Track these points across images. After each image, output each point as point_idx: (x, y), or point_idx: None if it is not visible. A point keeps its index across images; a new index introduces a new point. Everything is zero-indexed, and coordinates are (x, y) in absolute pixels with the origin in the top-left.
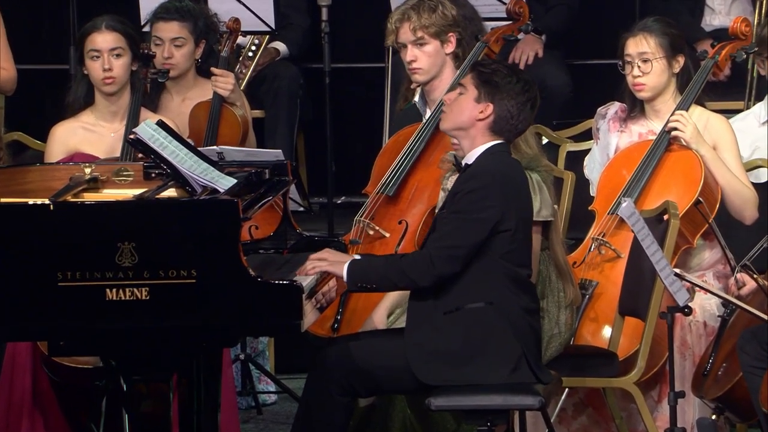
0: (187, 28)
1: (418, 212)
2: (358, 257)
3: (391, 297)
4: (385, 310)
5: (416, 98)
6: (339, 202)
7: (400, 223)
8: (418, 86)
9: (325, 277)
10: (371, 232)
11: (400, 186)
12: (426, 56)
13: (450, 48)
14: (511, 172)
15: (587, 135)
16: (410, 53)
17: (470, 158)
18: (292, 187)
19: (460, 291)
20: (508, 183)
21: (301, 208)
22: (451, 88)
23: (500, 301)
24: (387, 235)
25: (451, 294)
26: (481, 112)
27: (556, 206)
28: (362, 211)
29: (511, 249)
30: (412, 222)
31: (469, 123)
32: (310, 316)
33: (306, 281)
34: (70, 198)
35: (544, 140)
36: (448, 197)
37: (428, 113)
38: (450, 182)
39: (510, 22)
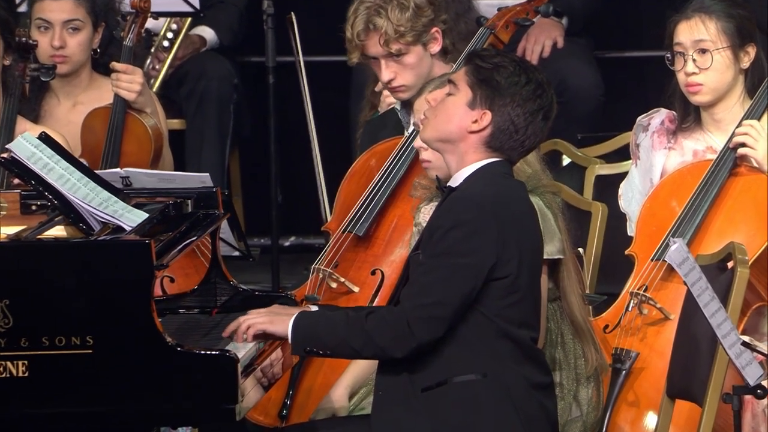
0: (84, 7)
1: (397, 258)
2: (309, 310)
3: (355, 370)
4: (346, 388)
5: (396, 104)
6: (287, 244)
7: (373, 273)
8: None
9: (269, 344)
10: (334, 285)
11: (373, 223)
12: (408, 70)
13: (436, 46)
14: (510, 199)
15: (624, 153)
16: (386, 71)
17: (456, 180)
18: (224, 225)
19: (443, 360)
20: (506, 212)
21: (236, 253)
22: (439, 84)
23: (497, 372)
24: (356, 289)
25: (431, 364)
26: (475, 121)
27: (580, 249)
28: (322, 256)
29: (510, 303)
30: (390, 272)
31: (457, 134)
32: (249, 398)
33: (243, 350)
34: None
35: (566, 160)
36: (425, 233)
37: (412, 125)
38: (425, 215)
39: (523, 1)
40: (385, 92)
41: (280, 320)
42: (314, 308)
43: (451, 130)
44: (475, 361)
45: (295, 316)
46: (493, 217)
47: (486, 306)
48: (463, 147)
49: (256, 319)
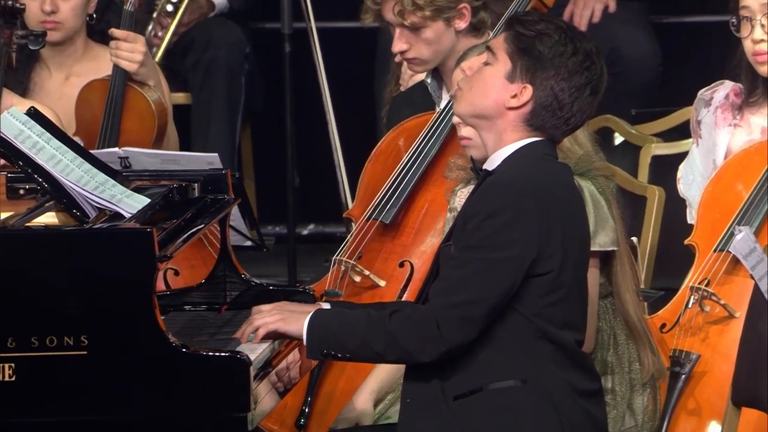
0: None
1: (428, 249)
2: (326, 307)
3: (381, 373)
4: (371, 394)
5: (426, 76)
6: (305, 233)
7: (401, 265)
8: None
9: (284, 345)
10: (358, 279)
11: (401, 209)
12: (424, 44)
13: (462, 23)
14: (554, 184)
15: (683, 131)
16: (398, 41)
17: (493, 162)
18: (234, 211)
19: (477, 365)
20: (549, 200)
21: (248, 243)
22: (477, 52)
23: (538, 377)
24: (382, 283)
25: (464, 369)
26: (514, 96)
27: (634, 238)
28: (343, 247)
29: (551, 301)
30: (420, 264)
31: (494, 110)
32: (263, 406)
33: (256, 352)
34: None
35: (618, 138)
36: (459, 222)
37: (445, 99)
38: (461, 199)
39: None
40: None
41: (294, 319)
42: (327, 306)
43: (487, 105)
44: (514, 365)
45: (310, 314)
46: (534, 205)
47: (525, 305)
48: (500, 124)
49: (266, 318)
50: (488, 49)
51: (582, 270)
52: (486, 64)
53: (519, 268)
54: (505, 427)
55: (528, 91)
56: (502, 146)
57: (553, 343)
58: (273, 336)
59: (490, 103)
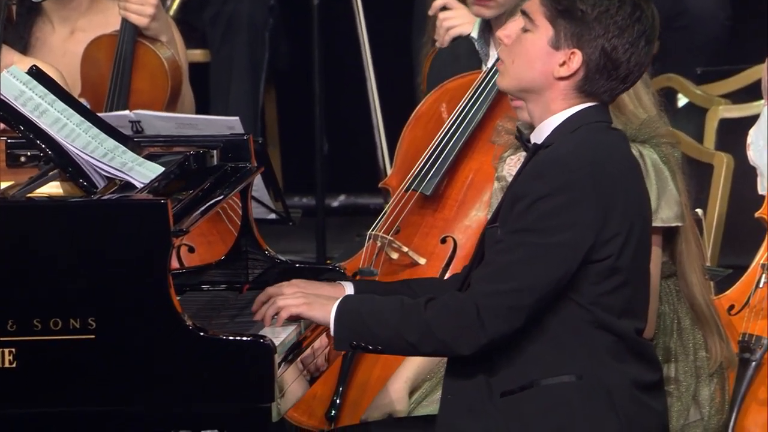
0: None
1: (473, 223)
2: (355, 294)
3: (417, 359)
4: (406, 382)
5: (473, 31)
6: (336, 204)
7: (443, 241)
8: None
9: (311, 329)
10: (395, 256)
11: (443, 178)
12: None
13: None
14: (611, 157)
15: (754, 92)
16: None
17: (542, 133)
18: (257, 181)
19: (527, 358)
20: (607, 176)
21: (273, 216)
22: (511, 14)
23: (594, 372)
24: (422, 261)
25: (512, 363)
26: (563, 64)
27: (699, 210)
28: (379, 221)
29: (609, 288)
30: (464, 240)
31: (542, 82)
32: (289, 395)
33: (282, 336)
34: None
35: (682, 100)
36: (505, 203)
37: (493, 57)
38: (510, 168)
39: None
40: (442, 16)
41: (320, 305)
42: (349, 288)
43: (533, 77)
44: (568, 359)
45: (339, 301)
46: (591, 184)
47: (580, 293)
48: (549, 95)
49: (290, 301)
50: (524, 14)
51: (644, 251)
52: (525, 30)
53: (573, 254)
54: (558, 426)
55: (577, 57)
56: (550, 116)
57: (611, 333)
58: (295, 320)
59: (537, 75)
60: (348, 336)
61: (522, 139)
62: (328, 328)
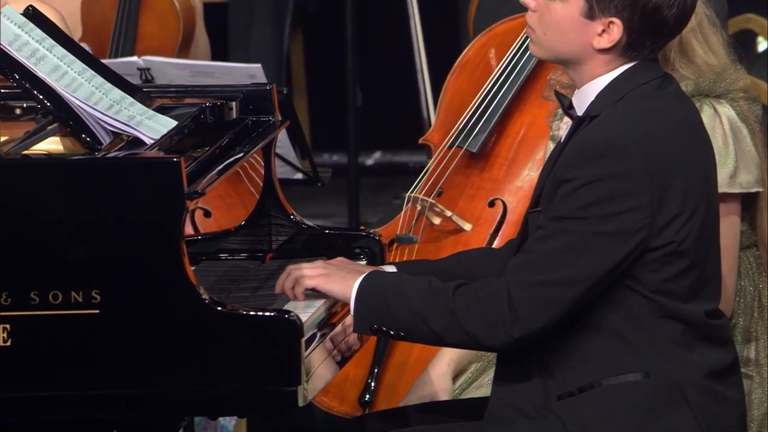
0: None
1: (525, 184)
2: (383, 270)
3: None
4: (449, 364)
5: None
6: (371, 163)
7: (492, 204)
8: None
9: (341, 305)
10: (437, 222)
11: (492, 134)
12: None
13: None
14: (667, 126)
15: None
16: None
17: (584, 98)
18: (282, 137)
19: (586, 356)
20: (663, 153)
21: (299, 176)
22: None
23: (663, 366)
24: (467, 227)
25: (570, 363)
26: (603, 33)
27: None
28: (420, 181)
29: (674, 273)
30: (515, 203)
31: (581, 53)
32: (317, 378)
33: (308, 311)
34: None
35: (761, 44)
36: (548, 186)
37: None
38: (567, 125)
39: None
40: None
41: (340, 278)
42: (390, 268)
43: (570, 50)
44: (632, 356)
45: (362, 277)
46: (644, 166)
47: (640, 282)
48: (591, 64)
49: (307, 271)
50: None
51: (712, 225)
52: None
53: (625, 244)
54: (625, 430)
55: (617, 27)
56: (592, 79)
57: (679, 320)
58: (313, 294)
59: (575, 47)
60: (368, 317)
61: (564, 107)
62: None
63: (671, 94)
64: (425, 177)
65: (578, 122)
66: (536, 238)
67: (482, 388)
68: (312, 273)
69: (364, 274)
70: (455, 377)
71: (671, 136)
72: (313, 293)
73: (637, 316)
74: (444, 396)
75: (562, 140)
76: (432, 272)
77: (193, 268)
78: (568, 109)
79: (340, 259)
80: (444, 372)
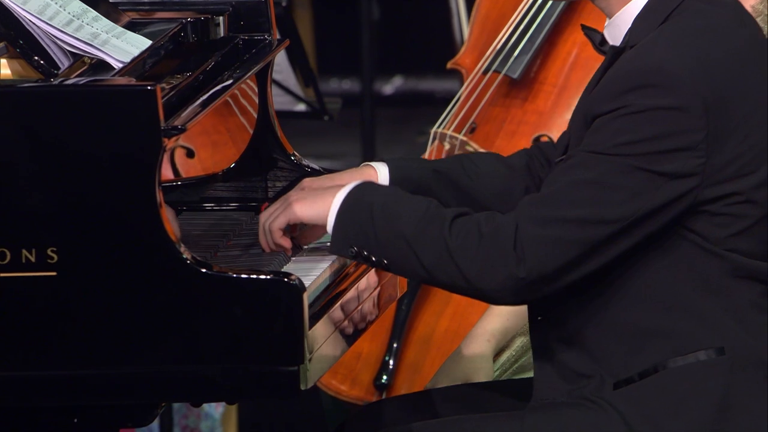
0: None
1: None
2: (370, 182)
3: (504, 307)
4: (490, 339)
5: None
6: (389, 92)
7: (536, 142)
8: None
9: (353, 266)
10: None
11: (535, 57)
12: None
13: None
14: (724, 59)
15: None
16: None
17: (618, 29)
18: (281, 60)
19: (645, 335)
20: (720, 87)
21: (302, 107)
22: None
23: (740, 340)
24: None
25: (626, 343)
26: None
27: None
28: (449, 114)
29: (747, 226)
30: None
31: None
32: (322, 356)
33: (312, 274)
34: None
35: None
36: (580, 117)
37: None
38: None
39: None
40: None
41: (317, 198)
42: (382, 171)
43: None
44: (703, 327)
45: (349, 187)
46: (699, 96)
47: (706, 238)
48: None
49: (276, 209)
50: None
51: None
52: None
53: (668, 189)
54: (699, 419)
55: None
56: (624, 5)
57: (759, 280)
58: (293, 230)
59: None
60: (350, 235)
61: (596, 44)
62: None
63: (728, 8)
64: (455, 109)
65: (615, 53)
66: (560, 169)
67: (530, 370)
68: (280, 209)
69: (352, 185)
70: (496, 355)
71: (730, 66)
72: (317, 251)
73: (706, 281)
74: (481, 378)
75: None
76: (432, 175)
77: (172, 220)
78: (601, 45)
79: (315, 177)
80: (482, 348)
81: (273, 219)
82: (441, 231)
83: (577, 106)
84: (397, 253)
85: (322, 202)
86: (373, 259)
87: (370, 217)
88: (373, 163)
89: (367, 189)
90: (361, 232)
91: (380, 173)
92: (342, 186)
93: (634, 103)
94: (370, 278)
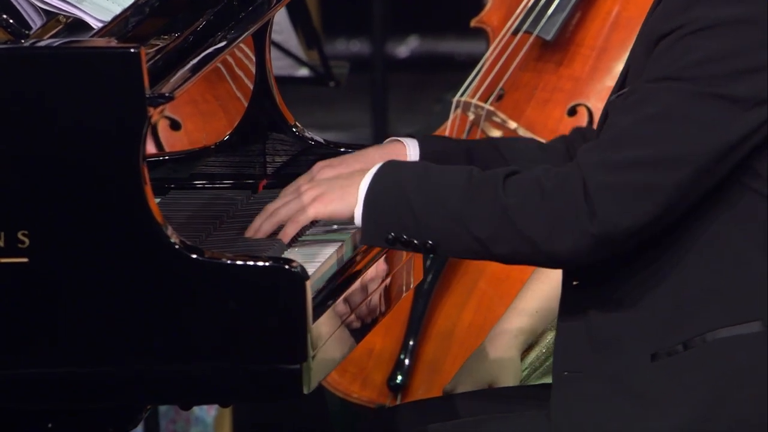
0: None
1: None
2: (393, 161)
3: (535, 297)
4: (517, 336)
5: None
6: (404, 55)
7: (572, 113)
8: None
9: (363, 249)
10: (497, 135)
11: (570, 17)
12: None
13: None
14: None
15: None
16: None
17: None
18: (281, 19)
19: (686, 302)
20: None
21: (305, 72)
22: None
23: None
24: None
25: (664, 311)
26: None
27: None
28: (473, 81)
29: None
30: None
31: None
32: (327, 353)
33: (316, 261)
34: None
35: None
36: (641, 43)
37: None
38: None
39: None
40: None
41: (341, 188)
42: (412, 147)
43: None
44: (752, 297)
45: (373, 171)
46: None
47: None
48: None
49: (295, 204)
50: None
51: None
52: None
53: (747, 117)
54: (746, 398)
55: None
56: None
57: None
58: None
59: None
60: (383, 223)
61: None
62: (391, 251)
63: None
64: (480, 74)
65: None
66: (620, 109)
67: None
68: (298, 205)
69: (376, 167)
70: (524, 352)
71: None
72: (322, 236)
73: (762, 239)
74: (509, 380)
75: None
76: (465, 153)
77: (157, 200)
78: None
79: (331, 160)
80: (509, 346)
81: (291, 214)
82: (495, 193)
83: (638, 35)
84: (444, 231)
85: (349, 194)
86: (415, 242)
87: (404, 197)
88: (401, 138)
89: (393, 168)
90: (396, 216)
91: (409, 149)
92: (365, 171)
93: (701, 17)
94: (378, 268)
